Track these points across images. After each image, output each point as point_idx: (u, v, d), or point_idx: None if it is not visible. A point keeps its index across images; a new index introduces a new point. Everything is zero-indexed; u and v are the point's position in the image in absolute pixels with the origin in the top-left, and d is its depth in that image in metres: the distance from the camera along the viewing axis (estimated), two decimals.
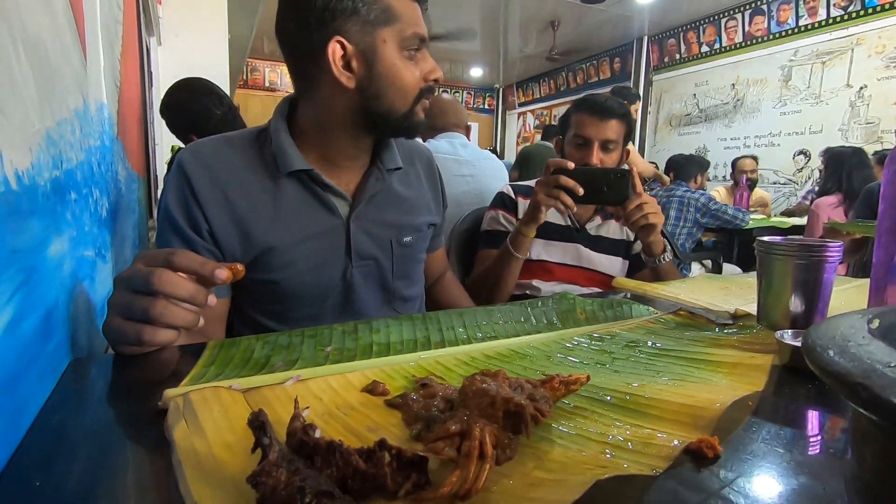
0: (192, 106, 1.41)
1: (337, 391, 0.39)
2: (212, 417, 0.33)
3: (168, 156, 2.02)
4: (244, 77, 6.74)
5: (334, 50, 0.64)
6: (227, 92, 3.20)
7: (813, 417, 0.39)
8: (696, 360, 0.47)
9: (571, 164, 0.95)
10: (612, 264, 1.19)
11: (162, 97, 1.46)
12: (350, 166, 0.75)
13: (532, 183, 1.24)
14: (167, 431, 0.32)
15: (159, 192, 2.31)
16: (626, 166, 1.07)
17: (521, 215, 1.15)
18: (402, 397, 0.37)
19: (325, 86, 0.68)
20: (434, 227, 0.90)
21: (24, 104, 0.37)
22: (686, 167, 2.97)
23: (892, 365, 0.15)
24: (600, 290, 1.14)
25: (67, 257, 0.48)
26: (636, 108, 3.24)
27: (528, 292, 1.17)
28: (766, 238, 0.56)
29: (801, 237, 0.57)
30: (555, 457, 0.30)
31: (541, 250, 1.17)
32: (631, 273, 1.20)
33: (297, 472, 0.25)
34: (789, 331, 0.48)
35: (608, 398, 0.38)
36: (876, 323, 0.21)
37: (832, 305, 0.62)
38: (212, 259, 0.68)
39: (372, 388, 0.40)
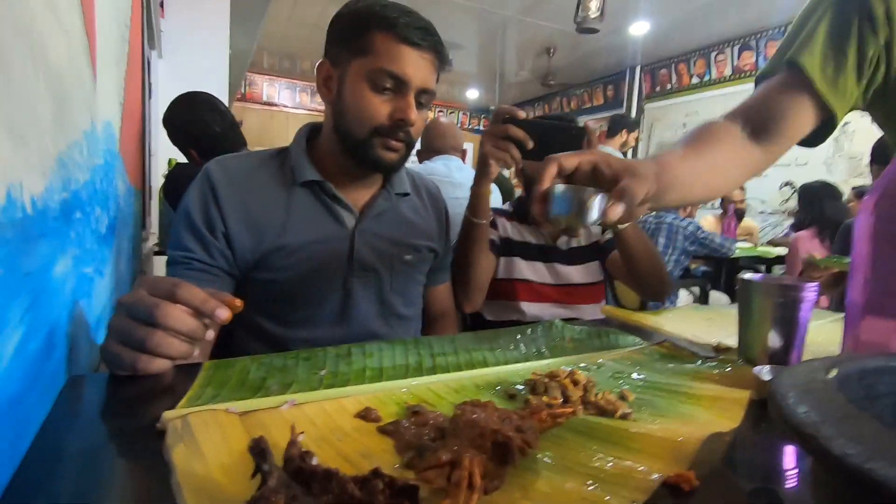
0: (193, 121, 1.44)
1: (331, 416, 0.40)
2: (210, 440, 0.34)
3: (165, 168, 2.03)
4: (242, 91, 6.78)
5: (321, 69, 0.76)
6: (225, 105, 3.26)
7: (787, 453, 0.41)
8: (677, 394, 0.49)
9: (523, 114, 0.88)
10: (590, 271, 1.20)
11: (165, 110, 1.47)
12: (360, 185, 0.81)
13: (504, 205, 1.26)
14: (166, 453, 0.33)
15: (153, 203, 2.32)
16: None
17: (500, 231, 1.16)
18: (394, 424, 0.38)
19: (325, 104, 0.78)
20: (435, 254, 0.93)
21: (41, 129, 0.39)
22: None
23: (839, 417, 0.17)
24: (585, 314, 1.16)
25: (70, 276, 0.50)
26: (635, 136, 3.31)
27: (515, 318, 1.18)
28: (747, 276, 0.59)
29: (781, 276, 0.59)
30: (540, 487, 0.32)
31: (524, 269, 1.17)
32: (604, 259, 1.20)
33: (294, 498, 0.26)
34: (767, 367, 0.50)
35: (591, 431, 0.40)
36: (833, 372, 0.23)
37: (812, 340, 0.64)
38: (221, 258, 0.72)
39: (365, 415, 0.41)
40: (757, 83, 0.71)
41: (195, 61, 3.19)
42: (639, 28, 4.34)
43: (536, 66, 5.59)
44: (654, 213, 3.12)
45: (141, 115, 1.69)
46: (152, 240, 2.15)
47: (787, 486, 0.35)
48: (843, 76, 0.63)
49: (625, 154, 3.26)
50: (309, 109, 7.28)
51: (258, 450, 0.27)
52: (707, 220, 3.66)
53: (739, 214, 3.65)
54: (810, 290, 0.54)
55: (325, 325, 0.78)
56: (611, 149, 3.18)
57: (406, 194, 0.87)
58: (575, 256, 1.20)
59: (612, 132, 3.26)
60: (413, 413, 0.40)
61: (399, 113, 0.71)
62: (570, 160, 0.52)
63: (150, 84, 2.71)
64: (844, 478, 0.15)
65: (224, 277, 0.74)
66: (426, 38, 0.71)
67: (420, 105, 0.75)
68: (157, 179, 2.24)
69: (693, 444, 0.37)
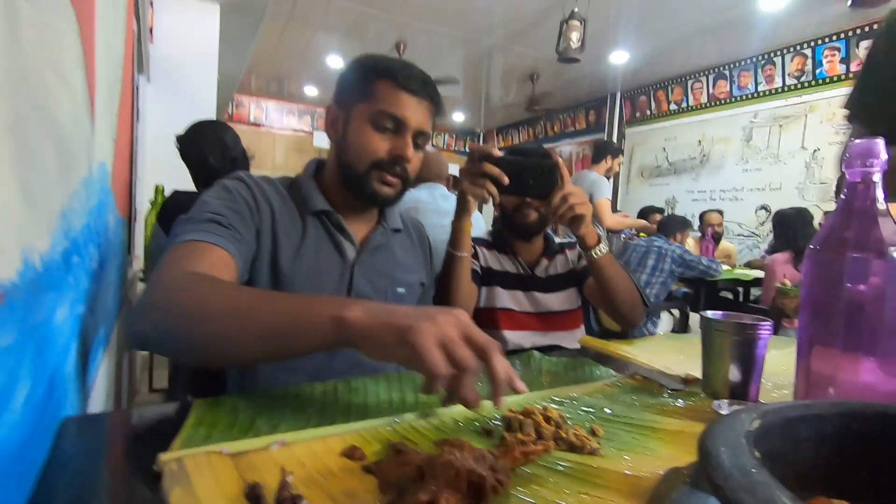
0: (193, 149, 1.52)
1: (318, 456, 0.43)
2: (204, 484, 0.37)
3: (151, 194, 2.04)
4: (230, 111, 6.83)
5: (329, 112, 0.85)
6: None
7: None
8: (642, 428, 0.52)
9: (497, 152, 0.93)
10: (568, 298, 1.23)
11: (178, 135, 1.56)
12: (360, 219, 0.87)
13: (482, 235, 1.30)
14: (164, 496, 0.36)
15: (138, 228, 2.32)
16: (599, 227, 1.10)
17: (480, 261, 1.20)
18: (378, 464, 0.41)
19: (331, 142, 0.85)
20: (422, 288, 0.97)
21: (48, 190, 0.42)
22: (669, 224, 3.13)
23: (747, 470, 0.21)
24: (564, 341, 1.19)
25: (67, 319, 0.52)
26: (619, 162, 3.41)
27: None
28: (708, 314, 0.63)
29: (739, 314, 0.64)
30: None
31: (504, 299, 1.20)
32: (580, 286, 1.24)
33: None
34: (725, 401, 0.54)
35: (560, 466, 0.43)
36: (756, 424, 0.27)
37: (776, 369, 0.69)
38: (247, 239, 0.72)
39: (350, 453, 0.43)
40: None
41: (184, 85, 3.23)
42: (618, 57, 4.50)
43: (521, 91, 5.74)
44: (644, 237, 3.19)
45: (130, 143, 1.71)
46: (136, 265, 2.14)
47: None
48: None
49: (609, 178, 3.36)
50: (295, 130, 7.34)
51: (253, 496, 0.30)
52: (687, 242, 3.76)
53: (717, 237, 3.77)
54: (765, 329, 0.59)
55: (320, 354, 0.80)
56: (596, 174, 3.27)
57: (399, 230, 0.93)
58: (552, 284, 1.24)
59: (597, 158, 3.36)
60: (396, 451, 0.43)
61: (397, 150, 0.78)
62: None
63: (137, 109, 2.73)
64: None
65: (244, 260, 0.71)
66: (423, 87, 0.79)
67: (416, 146, 0.81)
68: (143, 204, 2.24)
69: (652, 480, 0.40)
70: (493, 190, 0.92)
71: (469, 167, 0.94)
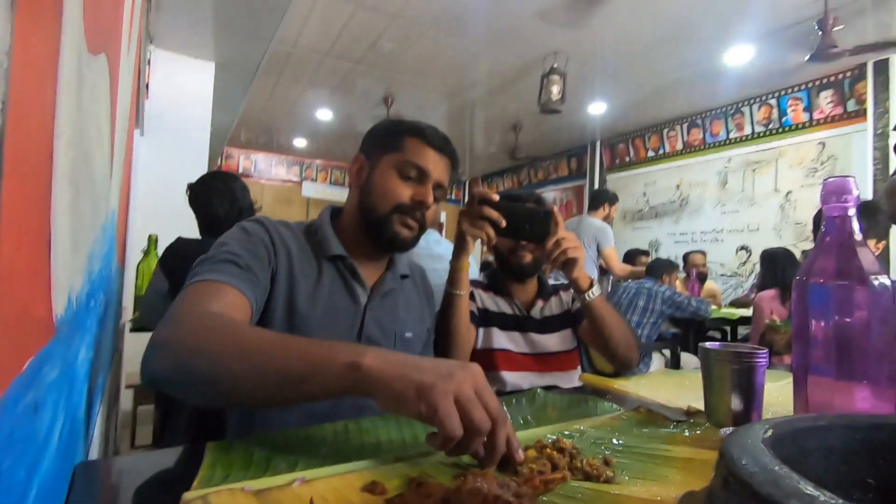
0: (201, 197, 1.59)
1: (340, 491, 0.43)
2: None
3: (144, 244, 2.05)
4: (219, 163, 6.92)
5: (355, 160, 0.90)
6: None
7: None
8: (654, 457, 0.53)
9: (496, 196, 0.97)
10: (564, 340, 1.25)
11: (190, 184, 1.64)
12: (372, 265, 0.90)
13: (479, 277, 1.33)
14: None
15: (128, 277, 2.30)
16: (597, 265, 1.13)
17: (477, 303, 1.22)
18: (401, 496, 0.42)
19: (351, 186, 0.90)
20: (429, 332, 1.00)
21: (85, 231, 0.44)
22: (656, 267, 3.20)
23: (770, 468, 0.23)
24: (562, 381, 1.20)
25: (84, 363, 0.52)
26: (615, 209, 3.56)
27: (496, 387, 1.21)
28: (707, 344, 0.66)
29: (737, 343, 0.66)
30: None
31: (502, 340, 1.21)
32: (576, 327, 1.25)
33: None
34: (731, 429, 0.56)
35: (579, 496, 0.44)
36: (770, 433, 0.29)
37: (774, 401, 0.70)
38: (262, 280, 0.74)
39: (372, 488, 0.44)
40: None
41: (177, 138, 3.30)
42: (597, 108, 4.73)
43: (504, 140, 5.95)
44: (634, 280, 3.26)
45: (127, 194, 1.74)
46: (125, 315, 2.11)
47: None
48: None
49: (607, 222, 3.48)
50: (284, 180, 7.45)
51: None
52: (675, 284, 3.82)
53: (702, 278, 3.85)
54: (761, 356, 0.61)
55: (333, 403, 0.79)
56: (600, 222, 3.40)
57: (406, 276, 0.96)
58: (548, 325, 1.25)
59: (595, 205, 3.50)
60: (417, 484, 0.43)
61: (419, 196, 0.84)
62: None
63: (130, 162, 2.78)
64: None
65: (258, 302, 0.72)
66: (445, 145, 0.87)
67: (435, 198, 0.86)
68: (135, 256, 2.24)
69: (671, 502, 0.41)
70: (491, 232, 0.96)
71: (469, 209, 0.98)
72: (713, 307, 3.61)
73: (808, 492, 0.20)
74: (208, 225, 1.54)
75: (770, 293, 2.79)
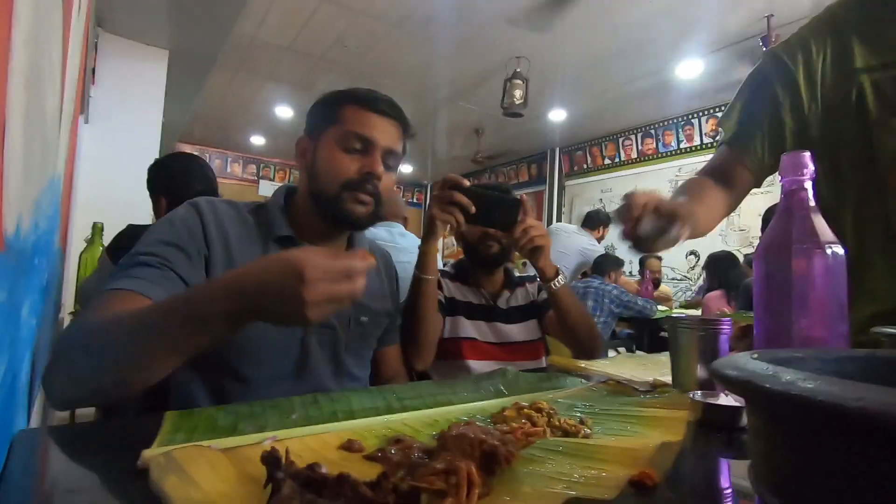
0: (181, 176, 1.50)
1: (315, 450, 0.41)
2: (201, 472, 0.34)
3: (87, 232, 1.92)
4: None
5: (300, 143, 0.84)
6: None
7: (720, 451, 0.47)
8: (628, 417, 0.54)
9: (467, 183, 0.98)
10: (529, 329, 1.26)
11: (159, 159, 1.58)
12: (327, 246, 0.85)
13: (445, 267, 1.34)
14: (155, 486, 0.33)
15: (68, 265, 2.15)
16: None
17: (444, 292, 1.22)
18: (381, 451, 0.40)
19: (301, 171, 0.84)
20: (389, 317, 0.96)
21: (33, 171, 0.40)
22: (604, 264, 3.29)
23: (764, 371, 0.23)
24: (529, 364, 1.21)
25: (26, 323, 0.48)
26: (608, 230, 3.61)
27: (462, 376, 1.20)
28: (674, 315, 0.67)
29: (701, 317, 0.69)
30: (525, 490, 0.35)
31: (468, 329, 1.21)
32: (542, 318, 1.27)
33: (312, 502, 0.27)
34: (699, 392, 0.57)
35: (560, 448, 0.44)
36: (756, 355, 0.30)
37: None
38: (197, 276, 0.70)
39: (349, 446, 0.42)
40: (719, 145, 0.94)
41: (125, 130, 3.13)
42: (557, 115, 4.85)
43: (466, 145, 6.00)
44: (581, 279, 3.34)
45: (70, 178, 1.63)
46: (67, 308, 1.97)
47: (727, 474, 0.41)
48: (765, 153, 0.85)
49: (600, 242, 3.55)
50: (240, 179, 7.21)
51: (272, 459, 0.29)
52: (628, 284, 3.96)
53: (656, 282, 4.02)
54: (725, 324, 0.63)
55: (282, 383, 0.77)
56: (589, 237, 3.45)
57: None
58: (514, 315, 1.26)
59: (591, 225, 3.54)
60: (396, 441, 0.42)
61: (366, 167, 0.78)
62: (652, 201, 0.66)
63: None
64: (777, 400, 0.20)
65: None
66: (390, 108, 0.81)
67: (388, 167, 0.81)
68: (78, 245, 2.09)
69: (649, 451, 0.41)
70: (461, 218, 0.96)
71: (440, 194, 0.98)
72: (664, 308, 3.76)
73: (803, 384, 0.21)
74: (176, 203, 1.45)
75: (716, 294, 2.94)
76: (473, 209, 0.96)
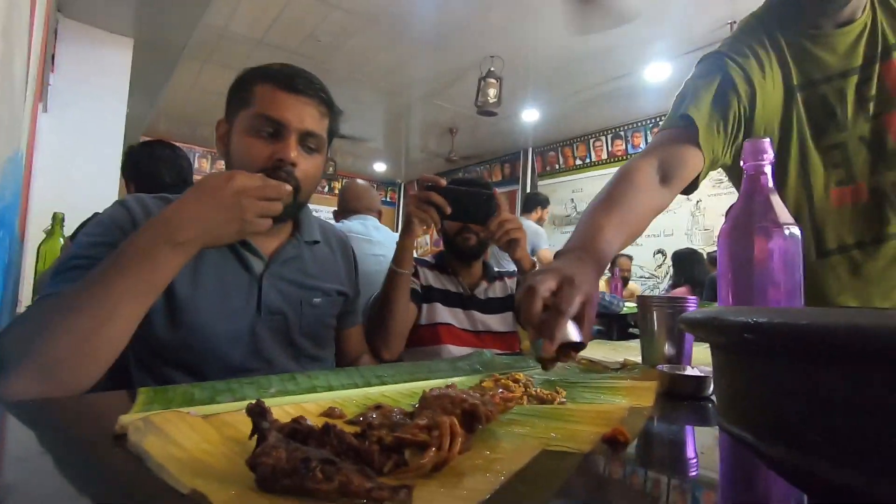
0: (148, 164, 1.47)
1: (295, 417, 0.41)
2: (181, 431, 0.34)
3: (46, 223, 1.84)
4: None
5: (218, 127, 0.81)
6: (117, 167, 3.07)
7: (686, 417, 0.49)
8: (600, 388, 0.56)
9: (443, 182, 1.00)
10: (505, 321, 1.29)
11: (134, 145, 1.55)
12: (268, 232, 0.78)
13: (427, 258, 1.36)
14: (134, 447, 0.32)
15: (26, 257, 2.06)
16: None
17: (421, 280, 1.24)
18: (363, 416, 0.41)
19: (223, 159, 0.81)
20: (345, 298, 0.94)
21: (2, 132, 0.39)
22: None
23: (725, 312, 0.25)
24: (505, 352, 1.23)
25: None
26: (547, 212, 3.70)
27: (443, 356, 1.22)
28: (644, 294, 0.70)
29: (668, 296, 0.71)
30: (504, 446, 0.36)
31: (445, 315, 1.23)
32: (518, 310, 1.30)
33: (297, 450, 0.28)
34: (666, 365, 0.60)
35: (537, 413, 0.45)
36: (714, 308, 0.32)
37: (700, 360, 0.76)
38: None
39: (329, 413, 0.42)
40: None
41: (86, 121, 3.01)
42: (530, 115, 4.92)
43: (440, 143, 6.02)
44: None
45: (30, 165, 1.57)
46: (25, 302, 1.89)
47: (691, 434, 0.43)
48: (718, 136, 0.78)
49: (540, 224, 3.62)
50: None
51: (258, 409, 0.29)
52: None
53: (625, 280, 4.14)
54: (691, 302, 0.66)
55: (236, 372, 0.75)
56: (529, 221, 3.51)
57: (316, 242, 0.89)
58: (491, 306, 1.29)
59: (528, 208, 3.62)
60: (376, 407, 0.43)
61: (278, 153, 0.73)
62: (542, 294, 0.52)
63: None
64: (735, 329, 0.22)
65: None
66: (307, 86, 0.75)
67: (309, 150, 0.76)
68: (36, 236, 2.00)
69: (621, 413, 0.43)
70: (436, 216, 0.99)
71: (417, 194, 1.01)
72: (633, 305, 3.86)
73: (766, 316, 0.22)
74: (151, 192, 1.43)
75: (682, 289, 3.05)
76: (448, 209, 0.99)
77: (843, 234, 0.82)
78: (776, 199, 0.62)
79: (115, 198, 3.05)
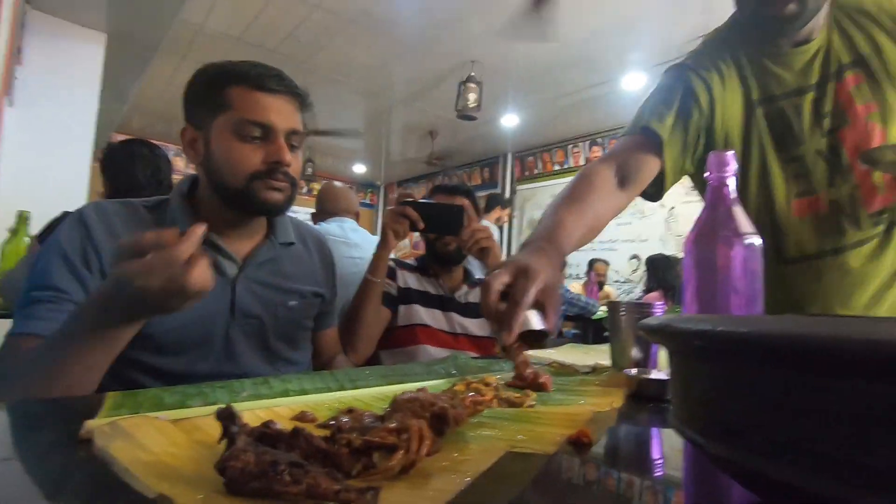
0: (121, 163, 1.45)
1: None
2: (149, 436, 0.34)
3: (11, 222, 1.79)
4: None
5: (185, 134, 0.78)
6: (88, 164, 2.99)
7: (650, 419, 0.51)
8: (570, 390, 0.57)
9: (417, 197, 1.12)
10: (483, 325, 1.31)
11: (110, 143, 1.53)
12: (242, 236, 0.82)
13: (408, 260, 1.38)
14: (100, 452, 0.32)
15: None
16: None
17: (398, 282, 1.25)
18: (334, 419, 0.41)
19: (195, 165, 0.79)
20: (321, 299, 0.93)
21: None
22: None
23: (676, 320, 0.27)
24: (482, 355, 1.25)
25: None
26: (508, 213, 3.73)
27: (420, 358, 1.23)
28: (613, 300, 0.72)
29: (636, 301, 0.74)
30: (472, 448, 0.37)
31: (423, 316, 1.25)
32: None
33: (265, 453, 0.28)
34: (634, 369, 0.62)
35: (506, 416, 0.46)
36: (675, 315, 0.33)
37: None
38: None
39: (301, 417, 0.43)
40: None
41: (55, 117, 2.93)
42: (509, 120, 4.97)
43: (420, 147, 6.03)
44: None
45: None
46: None
47: (655, 435, 0.45)
48: (679, 147, 0.82)
49: (500, 228, 3.63)
50: (182, 174, 6.89)
51: (227, 413, 0.29)
52: (574, 286, 4.11)
53: (601, 284, 4.22)
54: (659, 307, 0.69)
55: (209, 377, 0.74)
56: (488, 222, 3.53)
57: (291, 243, 0.88)
58: (470, 310, 1.31)
59: (488, 208, 3.64)
60: (348, 411, 0.43)
61: (272, 156, 0.73)
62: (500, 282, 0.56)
63: None
64: (684, 336, 0.24)
65: None
66: (280, 83, 0.75)
67: (293, 147, 0.77)
68: None
69: (586, 415, 0.45)
70: (407, 230, 1.10)
71: (393, 209, 1.11)
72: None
73: (718, 325, 0.24)
74: (125, 191, 1.39)
75: (655, 294, 3.12)
76: (422, 225, 1.09)
77: (805, 244, 0.86)
78: (738, 210, 0.65)
79: (85, 196, 2.97)
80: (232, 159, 0.73)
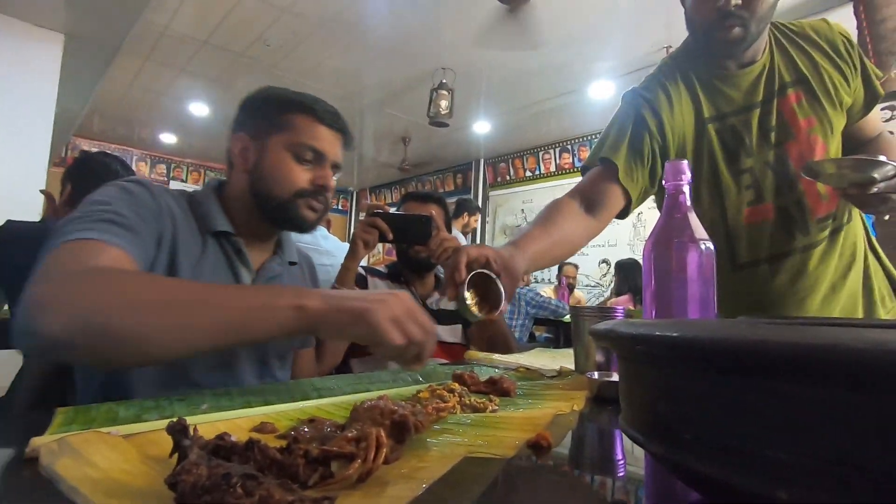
0: (87, 174, 1.40)
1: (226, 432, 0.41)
2: (100, 453, 0.33)
3: None
4: (63, 155, 5.99)
5: (237, 140, 0.83)
6: (44, 169, 2.87)
7: (609, 421, 0.52)
8: (534, 395, 0.58)
9: (387, 208, 1.14)
10: (454, 332, 1.33)
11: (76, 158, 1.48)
12: (260, 247, 0.86)
13: (380, 267, 1.39)
14: (46, 471, 0.31)
15: None
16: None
17: (369, 289, 1.25)
18: (294, 430, 0.41)
19: (235, 168, 0.83)
20: None
21: None
22: None
23: (622, 325, 0.28)
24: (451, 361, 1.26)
25: None
26: (476, 219, 3.74)
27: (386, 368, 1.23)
28: (577, 306, 0.74)
29: (599, 306, 0.76)
30: (432, 454, 0.37)
31: None
32: (466, 325, 1.34)
33: (218, 466, 0.28)
34: (595, 373, 0.63)
35: (469, 421, 0.47)
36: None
37: None
38: (143, 257, 0.65)
39: (261, 428, 0.42)
40: (583, 172, 0.97)
41: (8, 118, 2.81)
42: (481, 127, 5.02)
43: (393, 153, 6.02)
44: None
45: None
46: None
47: (614, 437, 0.46)
48: (637, 171, 0.89)
49: (465, 234, 3.65)
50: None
51: (178, 427, 0.29)
52: (545, 290, 4.17)
53: (571, 287, 4.28)
54: (619, 312, 0.71)
55: (198, 389, 0.73)
56: (455, 230, 3.54)
57: (294, 263, 0.92)
58: (441, 317, 1.31)
59: (455, 214, 3.66)
60: (309, 421, 0.43)
61: (320, 180, 0.81)
62: (473, 254, 0.67)
63: None
64: (628, 340, 0.25)
65: (145, 267, 0.66)
66: (337, 121, 0.83)
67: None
68: None
69: (547, 419, 0.46)
70: (376, 240, 1.13)
71: (363, 220, 1.14)
72: None
73: (659, 329, 0.25)
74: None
75: (625, 298, 3.19)
76: (391, 235, 1.13)
77: (756, 249, 0.90)
78: (693, 217, 0.67)
79: (40, 200, 2.85)
80: (284, 174, 0.79)
